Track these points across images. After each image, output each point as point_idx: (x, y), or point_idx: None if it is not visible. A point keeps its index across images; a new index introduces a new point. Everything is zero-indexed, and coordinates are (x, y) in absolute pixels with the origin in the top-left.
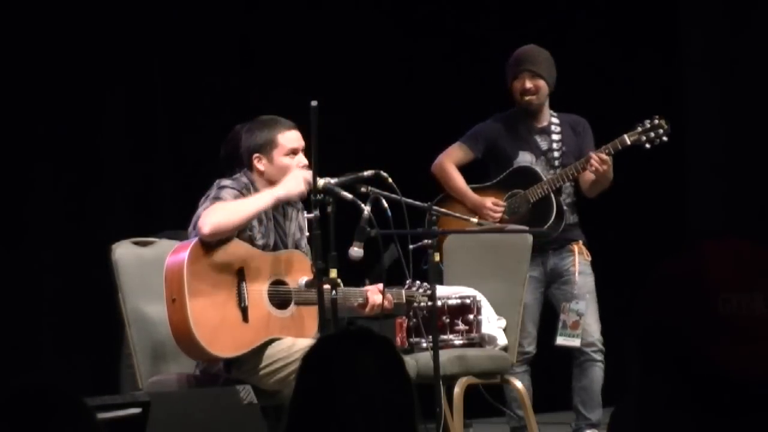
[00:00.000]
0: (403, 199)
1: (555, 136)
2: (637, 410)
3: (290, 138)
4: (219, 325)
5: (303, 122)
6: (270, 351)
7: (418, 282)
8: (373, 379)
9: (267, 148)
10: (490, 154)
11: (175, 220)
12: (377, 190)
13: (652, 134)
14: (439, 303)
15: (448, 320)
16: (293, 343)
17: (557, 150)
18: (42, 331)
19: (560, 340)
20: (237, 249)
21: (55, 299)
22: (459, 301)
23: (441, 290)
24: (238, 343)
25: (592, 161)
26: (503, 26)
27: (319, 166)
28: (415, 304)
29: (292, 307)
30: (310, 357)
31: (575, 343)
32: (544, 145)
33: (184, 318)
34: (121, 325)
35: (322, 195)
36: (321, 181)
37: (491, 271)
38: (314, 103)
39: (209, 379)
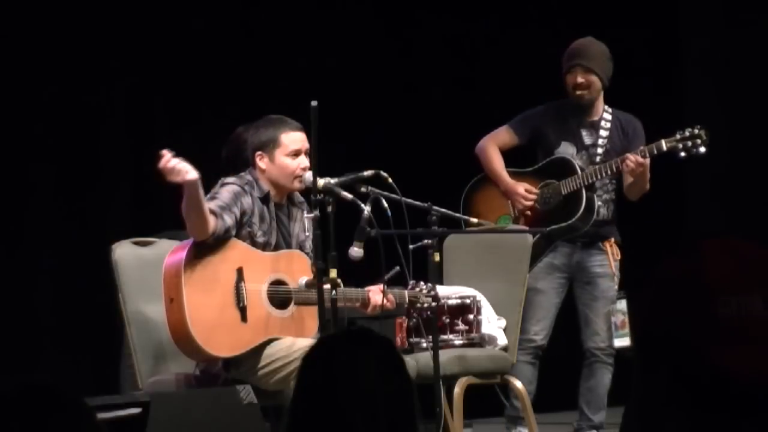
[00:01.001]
0: (403, 199)
1: (602, 132)
2: (638, 412)
3: (294, 139)
4: (217, 325)
5: (303, 122)
6: (269, 350)
7: (421, 282)
8: (374, 379)
9: (270, 146)
10: (536, 141)
11: (175, 220)
12: (377, 190)
13: (689, 143)
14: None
15: (448, 320)
16: (293, 342)
17: (601, 146)
18: (42, 331)
19: (617, 342)
20: (236, 249)
21: (56, 299)
22: (459, 301)
23: (441, 290)
24: (236, 343)
25: (628, 162)
26: (502, 26)
27: (319, 166)
28: (419, 305)
29: (292, 306)
30: (311, 356)
31: (628, 342)
32: (588, 139)
33: (182, 318)
34: (121, 325)
35: (322, 195)
36: (321, 181)
37: (491, 271)
38: (314, 103)
39: (209, 379)
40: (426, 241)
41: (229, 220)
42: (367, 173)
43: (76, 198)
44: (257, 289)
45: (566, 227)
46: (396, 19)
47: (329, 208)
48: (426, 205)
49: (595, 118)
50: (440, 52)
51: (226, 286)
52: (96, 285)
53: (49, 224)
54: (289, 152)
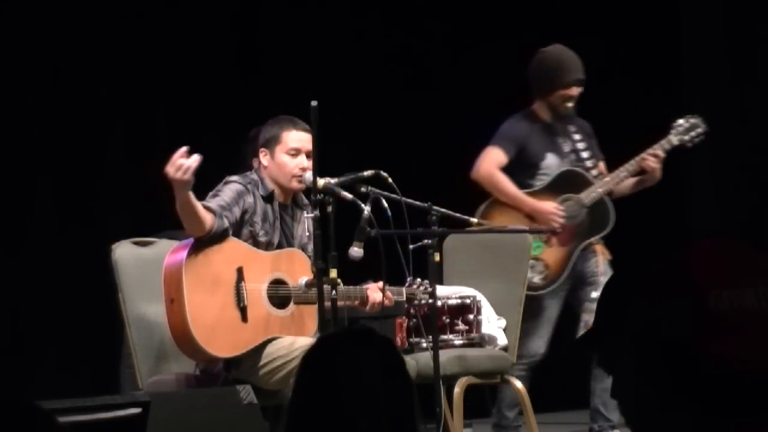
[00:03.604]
0: (403, 199)
1: (576, 136)
2: (637, 413)
3: (295, 137)
4: (217, 326)
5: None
6: (270, 350)
7: (418, 279)
8: (376, 378)
9: (272, 143)
10: (519, 155)
11: (175, 220)
12: (377, 190)
13: (693, 134)
14: (439, 303)
15: (448, 320)
16: (293, 341)
17: (583, 150)
18: (42, 332)
19: None
20: (235, 248)
21: (56, 299)
22: (459, 301)
23: (441, 290)
24: (236, 343)
25: (650, 162)
26: (503, 25)
27: (319, 166)
28: (416, 302)
29: (291, 306)
30: (312, 356)
31: None
32: (566, 147)
33: (183, 319)
34: (121, 325)
35: (322, 195)
36: (321, 181)
37: (491, 271)
38: (314, 103)
39: (209, 379)
40: (426, 241)
41: (227, 220)
42: (367, 173)
43: (77, 198)
44: (257, 289)
45: (604, 237)
46: (396, 19)
47: (329, 208)
48: (426, 205)
49: (560, 126)
50: (441, 52)
51: (226, 286)
52: (96, 285)
53: (50, 224)
54: (288, 150)
